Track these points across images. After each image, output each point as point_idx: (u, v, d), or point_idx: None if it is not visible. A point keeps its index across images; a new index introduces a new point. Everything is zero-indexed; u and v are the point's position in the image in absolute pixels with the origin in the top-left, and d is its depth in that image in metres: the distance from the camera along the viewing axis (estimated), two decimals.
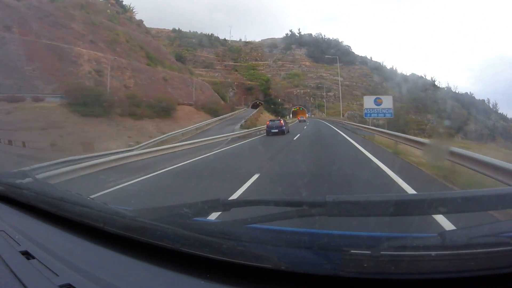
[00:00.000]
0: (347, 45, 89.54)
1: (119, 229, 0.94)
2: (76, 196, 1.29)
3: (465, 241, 0.64)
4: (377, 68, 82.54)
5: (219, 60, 75.80)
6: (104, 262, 0.88)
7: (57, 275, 0.76)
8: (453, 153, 4.83)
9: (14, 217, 1.23)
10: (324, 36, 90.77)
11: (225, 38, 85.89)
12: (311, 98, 72.69)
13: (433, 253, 0.63)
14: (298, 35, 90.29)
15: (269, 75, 78.68)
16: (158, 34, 73.19)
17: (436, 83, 73.99)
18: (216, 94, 51.89)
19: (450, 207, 0.72)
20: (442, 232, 0.66)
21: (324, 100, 69.50)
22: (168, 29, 79.97)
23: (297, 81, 76.13)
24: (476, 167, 4.10)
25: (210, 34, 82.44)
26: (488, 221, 0.73)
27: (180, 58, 59.58)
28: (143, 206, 1.12)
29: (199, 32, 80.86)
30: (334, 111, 60.14)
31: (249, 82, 73.64)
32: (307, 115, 67.98)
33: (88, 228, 1.02)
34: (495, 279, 0.62)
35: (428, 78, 76.38)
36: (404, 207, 0.74)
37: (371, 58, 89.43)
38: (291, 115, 68.28)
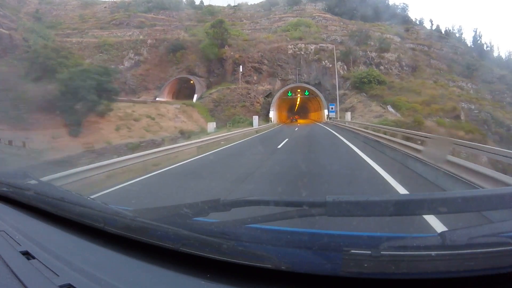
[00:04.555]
0: (393, 3, 53.63)
1: (120, 229, 0.94)
2: (76, 196, 1.29)
3: (465, 241, 0.64)
4: (449, 35, 48.11)
5: (170, 22, 48.70)
6: (105, 262, 0.88)
7: (58, 275, 0.76)
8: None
9: (15, 217, 1.23)
10: None
11: (201, 1, 60.36)
12: (338, 63, 32.44)
13: (433, 253, 0.63)
14: None
15: (247, 31, 43.10)
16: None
17: None
18: None
19: (450, 207, 0.72)
20: (442, 232, 0.66)
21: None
22: None
23: (299, 33, 38.97)
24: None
25: None
26: (487, 221, 0.73)
27: None
28: (143, 206, 1.12)
29: None
30: (422, 99, 25.55)
31: (182, 36, 39.65)
32: (326, 114, 29.05)
33: (89, 228, 1.02)
34: (495, 279, 0.62)
35: None
36: (404, 207, 0.74)
37: (431, 22, 55.92)
38: (271, 117, 30.93)
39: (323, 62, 34.60)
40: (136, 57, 40.06)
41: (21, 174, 1.60)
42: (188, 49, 38.65)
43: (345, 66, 34.09)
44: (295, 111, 46.74)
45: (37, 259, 0.84)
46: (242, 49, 37.31)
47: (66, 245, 0.99)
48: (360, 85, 29.87)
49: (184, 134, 21.44)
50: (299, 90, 35.41)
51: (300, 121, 37.53)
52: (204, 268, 0.76)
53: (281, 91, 33.97)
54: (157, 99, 32.68)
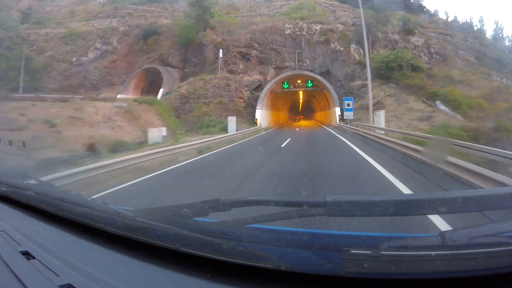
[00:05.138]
0: None
1: (120, 229, 0.94)
2: (76, 196, 1.29)
3: (465, 241, 0.64)
4: (466, 27, 40.96)
5: (161, 13, 41.51)
6: (105, 262, 0.88)
7: (58, 275, 0.76)
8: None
9: (15, 217, 1.23)
10: None
11: None
12: (353, 46, 25.76)
13: (433, 253, 0.63)
14: None
15: (241, 19, 34.67)
16: None
17: None
18: None
19: (450, 207, 0.72)
20: (442, 232, 0.66)
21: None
22: None
23: (301, 15, 30.89)
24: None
25: None
26: (487, 221, 0.73)
27: None
28: (144, 206, 1.12)
29: None
30: (481, 93, 17.24)
31: (157, 20, 34.21)
32: (337, 114, 21.13)
33: (89, 228, 1.02)
34: (495, 279, 0.62)
35: None
36: (404, 207, 0.74)
37: (446, 14, 52.89)
38: (257, 118, 22.34)
39: (332, 45, 25.76)
40: (103, 47, 32.83)
41: (21, 174, 1.60)
42: (162, 35, 31.14)
43: (360, 50, 25.00)
44: (300, 110, 38.73)
45: (37, 259, 0.84)
46: (228, 31, 28.93)
47: (66, 245, 0.99)
48: (386, 73, 21.81)
49: (96, 151, 11.89)
50: (299, 81, 25.73)
51: (302, 122, 31.37)
52: (204, 268, 0.76)
53: (274, 81, 24.46)
54: (118, 96, 25.63)
